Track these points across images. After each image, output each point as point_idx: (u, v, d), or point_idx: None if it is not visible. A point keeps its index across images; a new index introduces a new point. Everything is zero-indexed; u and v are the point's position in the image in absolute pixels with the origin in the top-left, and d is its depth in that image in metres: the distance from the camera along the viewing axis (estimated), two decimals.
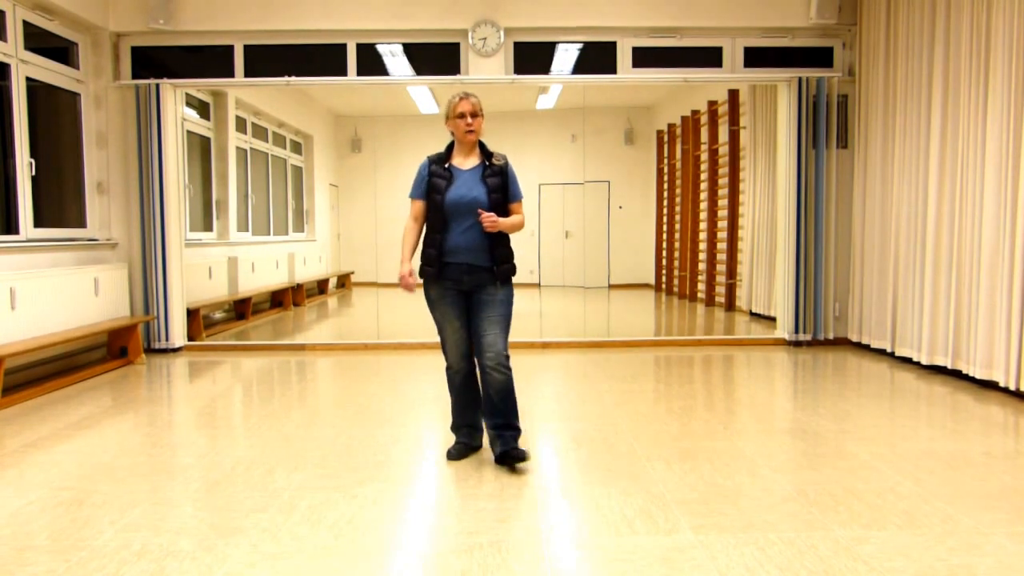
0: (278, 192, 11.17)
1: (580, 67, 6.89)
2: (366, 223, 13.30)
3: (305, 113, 11.87)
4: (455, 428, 3.66)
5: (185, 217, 7.43)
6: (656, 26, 6.71)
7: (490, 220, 3.33)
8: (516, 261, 3.50)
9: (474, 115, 3.44)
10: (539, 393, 4.98)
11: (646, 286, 12.62)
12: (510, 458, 3.36)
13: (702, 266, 10.43)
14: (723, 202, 9.72)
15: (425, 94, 10.81)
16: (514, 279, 3.52)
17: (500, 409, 3.40)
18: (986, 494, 3.04)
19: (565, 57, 6.89)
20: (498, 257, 3.41)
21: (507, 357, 3.40)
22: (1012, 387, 4.67)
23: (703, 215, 10.40)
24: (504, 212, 3.44)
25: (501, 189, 3.44)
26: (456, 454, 3.56)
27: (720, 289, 9.81)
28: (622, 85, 7.06)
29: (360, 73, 6.77)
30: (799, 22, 6.66)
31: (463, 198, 3.39)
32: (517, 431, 3.44)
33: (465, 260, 3.39)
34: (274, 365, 6.16)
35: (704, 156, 10.28)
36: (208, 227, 8.81)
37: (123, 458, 3.60)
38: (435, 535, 2.70)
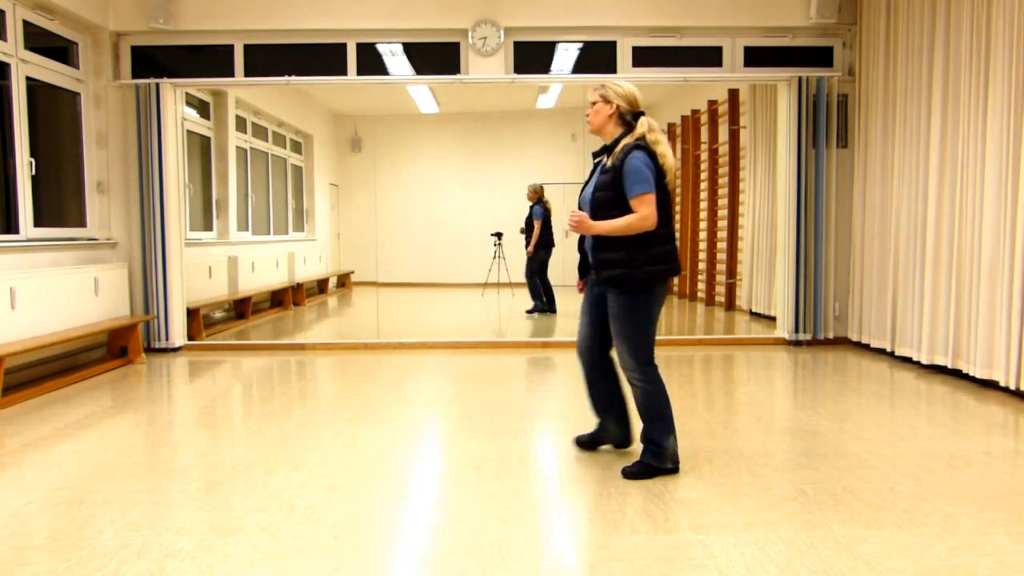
0: (278, 191, 11.17)
1: (580, 66, 6.88)
2: (366, 223, 13.33)
3: (305, 113, 11.87)
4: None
5: (185, 216, 7.43)
6: (656, 26, 6.71)
7: (574, 220, 3.17)
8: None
9: (593, 103, 3.29)
10: (540, 393, 4.98)
11: None
12: (627, 471, 3.29)
13: (702, 265, 10.43)
14: (723, 201, 9.72)
15: (425, 94, 10.82)
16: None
17: (642, 419, 3.35)
18: (986, 494, 3.04)
19: (565, 56, 6.89)
20: (598, 260, 3.22)
21: (638, 369, 3.25)
22: (1012, 387, 4.67)
23: (703, 214, 10.40)
24: (619, 211, 3.15)
25: (612, 185, 3.16)
26: (582, 441, 3.67)
27: (720, 288, 9.81)
28: None
29: (360, 73, 6.77)
30: (799, 22, 6.66)
31: (582, 195, 3.34)
32: (647, 448, 3.31)
33: (591, 259, 3.33)
34: (274, 365, 6.16)
35: (704, 156, 10.28)
36: (208, 226, 8.81)
37: (123, 458, 3.61)
38: (435, 535, 2.70)
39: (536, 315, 8.98)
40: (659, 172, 3.17)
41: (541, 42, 6.79)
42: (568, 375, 5.60)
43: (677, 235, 11.30)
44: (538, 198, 9.17)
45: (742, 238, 9.26)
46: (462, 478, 3.28)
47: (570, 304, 9.11)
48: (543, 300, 9.16)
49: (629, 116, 3.26)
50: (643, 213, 3.10)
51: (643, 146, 3.16)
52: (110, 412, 4.57)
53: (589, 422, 4.18)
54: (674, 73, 6.81)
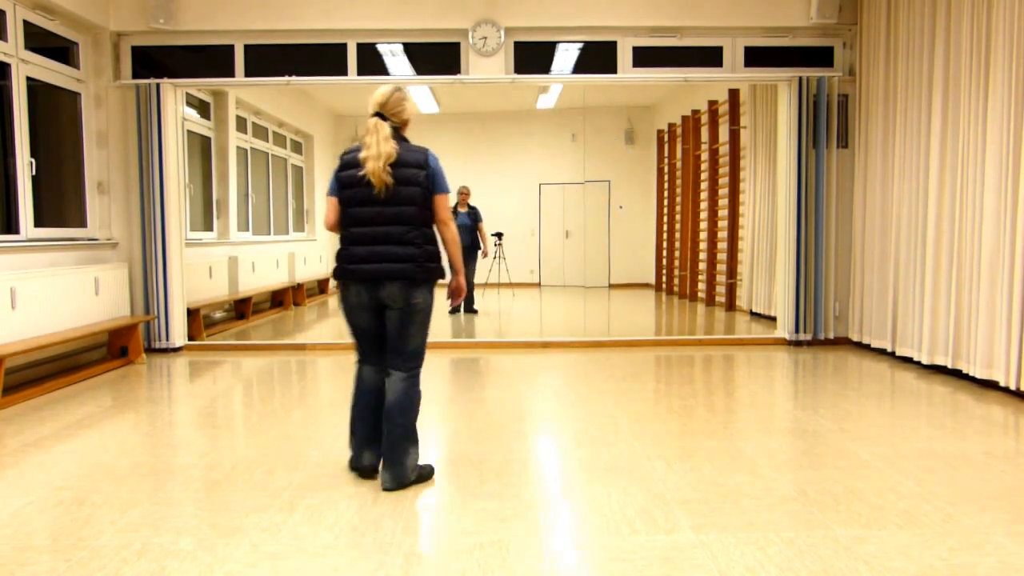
0: (278, 192, 11.17)
1: (580, 67, 6.88)
2: None
3: (305, 113, 11.87)
4: None
5: (185, 217, 7.43)
6: (656, 26, 6.71)
7: None
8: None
9: None
10: (539, 393, 4.98)
11: (646, 286, 12.62)
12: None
13: (702, 266, 10.43)
14: (723, 202, 9.72)
15: (425, 94, 10.81)
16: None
17: None
18: (986, 494, 3.04)
19: (565, 57, 6.89)
20: None
21: None
22: (1012, 387, 4.67)
23: (703, 215, 10.40)
24: None
25: None
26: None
27: (720, 289, 9.81)
28: (622, 85, 7.06)
29: (360, 73, 6.77)
30: (799, 22, 6.66)
31: None
32: None
33: None
34: (274, 365, 6.16)
35: (704, 156, 10.28)
36: (208, 227, 8.81)
37: (123, 458, 3.61)
38: (435, 535, 2.70)
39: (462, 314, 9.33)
40: (360, 176, 3.14)
41: (541, 42, 6.80)
42: (569, 375, 5.61)
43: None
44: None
45: (742, 238, 9.26)
46: (462, 478, 3.28)
47: (565, 303, 9.06)
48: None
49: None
50: None
51: (347, 149, 3.28)
52: (110, 412, 4.57)
53: (589, 421, 4.18)
54: (674, 73, 6.81)
